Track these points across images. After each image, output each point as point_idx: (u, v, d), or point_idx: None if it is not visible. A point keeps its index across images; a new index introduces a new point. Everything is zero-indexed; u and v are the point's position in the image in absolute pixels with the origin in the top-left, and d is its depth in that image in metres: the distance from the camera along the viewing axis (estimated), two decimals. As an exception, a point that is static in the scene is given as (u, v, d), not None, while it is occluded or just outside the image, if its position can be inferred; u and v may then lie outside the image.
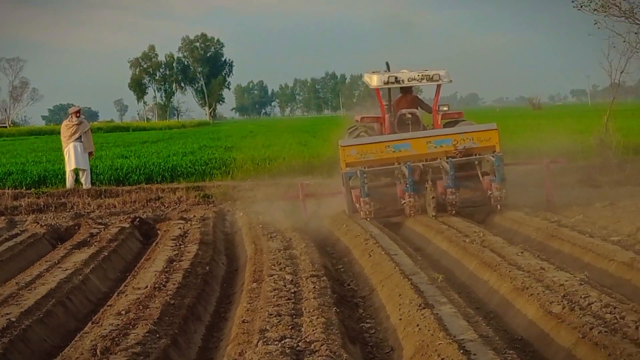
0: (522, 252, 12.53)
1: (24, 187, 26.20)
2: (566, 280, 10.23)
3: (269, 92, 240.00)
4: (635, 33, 25.83)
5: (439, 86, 19.80)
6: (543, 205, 18.62)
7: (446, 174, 17.18)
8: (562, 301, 9.06)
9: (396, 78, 19.34)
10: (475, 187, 17.84)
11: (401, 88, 20.04)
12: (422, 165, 17.60)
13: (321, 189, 21.33)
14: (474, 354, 7.30)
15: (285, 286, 10.43)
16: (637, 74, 30.77)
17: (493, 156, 17.40)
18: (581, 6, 26.01)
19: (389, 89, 20.10)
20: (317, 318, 8.70)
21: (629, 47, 26.10)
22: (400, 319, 9.04)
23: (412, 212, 17.18)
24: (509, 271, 10.94)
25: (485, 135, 18.11)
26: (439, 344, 7.59)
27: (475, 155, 17.88)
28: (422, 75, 19.54)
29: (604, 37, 27.38)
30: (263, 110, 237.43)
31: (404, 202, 17.23)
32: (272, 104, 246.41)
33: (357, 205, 17.61)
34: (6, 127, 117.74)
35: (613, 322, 8.24)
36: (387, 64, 20.39)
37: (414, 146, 17.83)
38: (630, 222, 15.32)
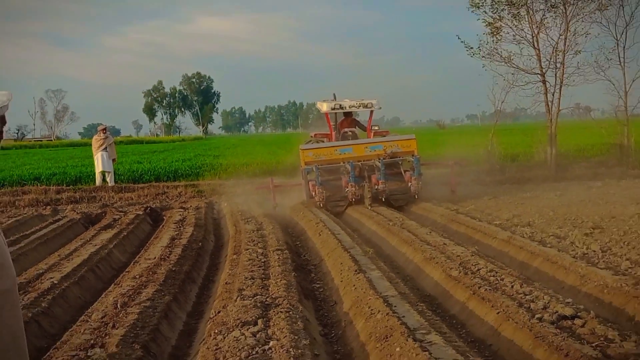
0: (430, 232, 12.59)
1: (65, 184, 25.96)
2: (462, 253, 10.30)
3: (247, 114, 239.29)
4: (512, 74, 26.05)
5: (371, 112, 19.92)
6: (447, 197, 18.77)
7: (378, 170, 17.34)
8: (458, 267, 9.12)
9: (340, 105, 19.66)
10: (400, 180, 17.96)
11: (344, 112, 20.18)
12: (361, 164, 17.77)
13: (285, 182, 21.38)
14: (395, 306, 7.33)
15: (257, 257, 10.39)
16: (513, 103, 30.95)
17: (412, 157, 17.71)
18: (474, 54, 26.20)
19: (335, 113, 20.22)
20: (281, 280, 8.69)
21: (507, 84, 26.34)
22: (341, 281, 9.05)
23: (353, 198, 17.30)
24: (421, 246, 10.99)
25: (406, 142, 18.34)
26: (369, 298, 7.61)
27: (399, 157, 18.10)
28: (359, 104, 19.87)
29: (490, 76, 27.66)
30: (242, 129, 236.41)
31: (347, 190, 17.29)
32: (249, 123, 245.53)
33: (313, 193, 17.82)
34: (51, 140, 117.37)
35: (495, 283, 8.32)
36: (334, 95, 20.56)
37: (355, 150, 18.00)
38: (507, 210, 15.47)
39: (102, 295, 8.63)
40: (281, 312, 7.13)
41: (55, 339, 7.17)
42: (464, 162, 20.56)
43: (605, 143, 28.78)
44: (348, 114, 20.41)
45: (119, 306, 7.77)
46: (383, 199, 17.35)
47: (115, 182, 25.52)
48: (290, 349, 5.87)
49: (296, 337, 6.28)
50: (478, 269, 9.09)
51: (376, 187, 17.34)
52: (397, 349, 5.87)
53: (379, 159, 17.49)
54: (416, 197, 17.68)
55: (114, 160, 25.69)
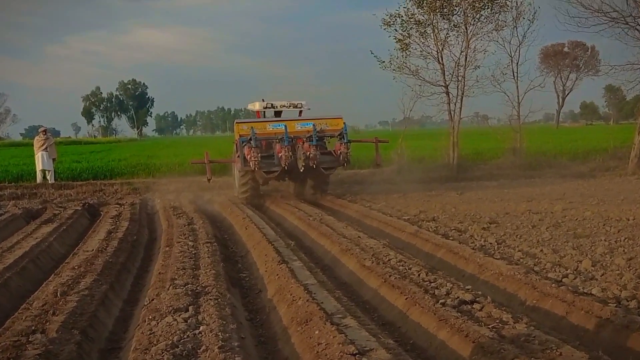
0: (346, 226, 12.66)
1: (7, 182, 25.05)
2: (374, 245, 10.41)
3: (179, 118, 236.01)
4: (419, 85, 26.46)
5: (300, 112, 19.92)
6: (360, 195, 18.92)
7: (311, 139, 17.33)
8: (371, 258, 9.20)
9: (272, 104, 19.73)
10: (330, 153, 17.93)
11: (275, 112, 20.08)
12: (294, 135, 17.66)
13: (220, 159, 21.49)
14: (314, 293, 7.34)
15: (188, 249, 10.25)
16: (420, 111, 31.64)
17: (343, 127, 17.85)
18: (385, 67, 26.50)
19: (265, 112, 20.11)
20: (210, 270, 8.60)
21: (415, 94, 26.74)
22: (266, 271, 9.01)
23: (286, 162, 17.05)
24: (338, 239, 11.03)
25: (335, 121, 18.34)
26: (291, 286, 7.60)
27: (329, 134, 18.04)
28: (290, 104, 19.86)
29: (399, 87, 28.10)
30: (175, 132, 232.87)
31: (281, 155, 17.11)
32: (181, 127, 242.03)
33: (248, 157, 17.23)
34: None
35: (404, 272, 8.43)
36: (262, 100, 20.47)
37: (288, 127, 17.73)
38: (415, 207, 15.68)
39: (43, 285, 8.35)
40: (210, 299, 7.05)
41: (-4, 326, 6.92)
42: (386, 140, 20.67)
43: (500, 148, 29.52)
44: (278, 114, 20.29)
45: (58, 295, 7.54)
46: (314, 166, 17.12)
47: (55, 179, 24.76)
48: (219, 333, 5.81)
49: (224, 322, 6.23)
50: (389, 260, 9.19)
51: (307, 152, 17.11)
52: (317, 332, 5.88)
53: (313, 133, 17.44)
54: (345, 165, 17.68)
55: (54, 159, 24.95)
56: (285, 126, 17.45)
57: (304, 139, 17.41)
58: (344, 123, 18.16)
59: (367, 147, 22.38)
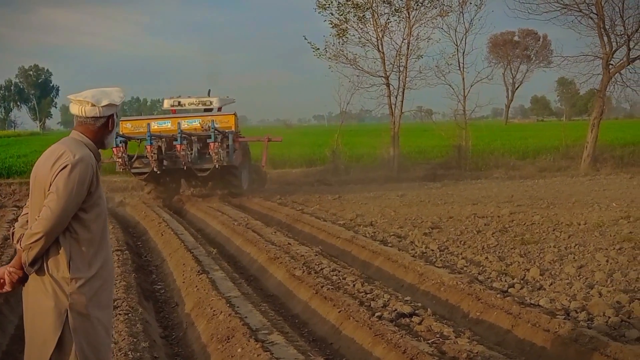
0: (275, 232, 12.67)
1: None
2: (306, 252, 10.45)
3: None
4: (357, 76, 26.69)
5: (211, 109, 20.23)
6: (291, 197, 18.96)
7: (195, 142, 18.12)
8: (302, 267, 9.23)
9: (179, 102, 19.87)
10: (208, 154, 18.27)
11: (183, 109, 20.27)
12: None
13: None
14: (238, 306, 7.32)
15: (96, 258, 10.06)
16: (359, 105, 31.84)
17: (228, 132, 18.40)
18: (320, 55, 26.64)
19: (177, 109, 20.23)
20: (120, 282, 8.48)
21: (352, 86, 26.97)
22: (184, 282, 8.94)
23: (154, 163, 17.54)
24: (265, 246, 11.04)
25: (225, 118, 19.13)
26: (212, 299, 7.56)
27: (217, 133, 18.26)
28: (199, 102, 20.05)
29: (335, 77, 28.30)
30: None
31: (148, 155, 17.58)
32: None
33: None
34: None
35: (337, 282, 8.49)
36: (173, 96, 20.85)
37: (173, 123, 18.36)
38: (351, 210, 15.79)
39: None
40: (120, 314, 6.95)
41: None
42: (279, 139, 20.83)
43: (445, 145, 30.01)
44: (188, 111, 20.40)
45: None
46: (184, 167, 17.73)
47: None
48: (128, 352, 5.74)
49: (135, 339, 6.15)
50: (321, 269, 9.24)
51: (182, 152, 17.49)
52: (239, 350, 5.86)
53: (203, 131, 18.06)
54: (217, 166, 17.85)
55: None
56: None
57: (174, 139, 17.86)
58: (234, 123, 18.93)
59: (301, 144, 22.45)
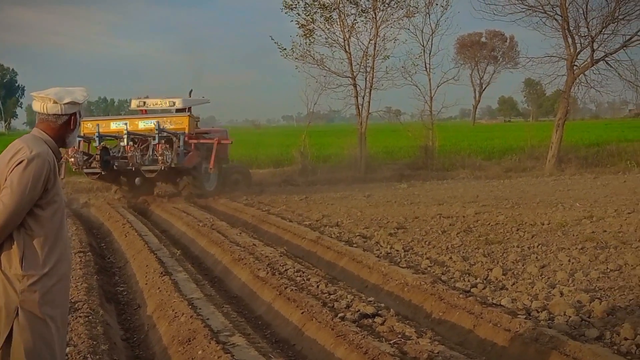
0: (240, 233, 12.63)
1: None
2: (271, 253, 10.41)
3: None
4: (324, 77, 26.72)
5: (177, 110, 20.26)
6: (258, 198, 18.93)
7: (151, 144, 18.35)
8: (266, 268, 9.19)
9: (144, 102, 19.90)
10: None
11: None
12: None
13: None
14: (200, 308, 7.28)
15: (57, 260, 9.96)
16: (326, 105, 31.84)
17: (179, 133, 18.73)
18: (287, 55, 26.62)
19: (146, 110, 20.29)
20: (82, 284, 8.40)
21: (320, 86, 26.99)
22: (146, 284, 8.86)
23: (98, 164, 17.88)
24: (230, 247, 10.99)
25: (179, 119, 19.24)
26: (174, 301, 7.51)
27: (169, 133, 18.72)
28: (166, 102, 20.29)
29: (303, 78, 28.33)
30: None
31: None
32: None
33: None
34: None
35: (301, 283, 8.47)
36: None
37: (130, 124, 18.69)
38: (318, 211, 15.79)
39: None
40: (80, 317, 6.88)
41: None
42: (229, 141, 20.87)
43: (412, 146, 30.14)
44: (154, 111, 20.57)
45: None
46: (133, 168, 17.87)
47: None
48: (88, 355, 5.68)
49: (94, 342, 6.09)
50: (286, 270, 9.22)
51: (127, 153, 17.74)
52: (200, 352, 5.82)
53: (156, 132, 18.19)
54: (162, 168, 17.86)
55: None
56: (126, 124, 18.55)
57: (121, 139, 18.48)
58: (187, 125, 19.03)
59: (269, 144, 22.43)
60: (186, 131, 18.81)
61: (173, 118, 19.24)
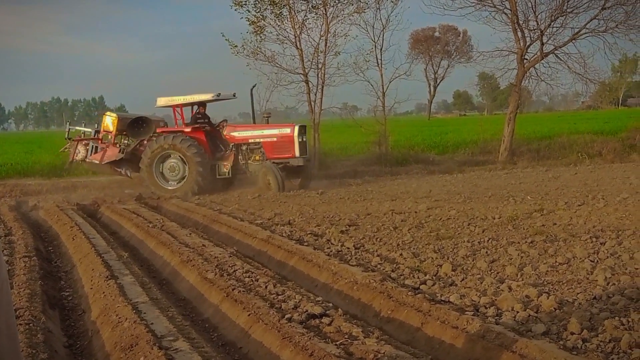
0: (190, 234, 12.50)
1: None
2: (220, 254, 10.30)
3: (6, 111, 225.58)
4: (276, 74, 26.62)
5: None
6: (210, 197, 18.78)
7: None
8: (215, 269, 9.08)
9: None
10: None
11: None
12: None
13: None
14: (144, 313, 7.15)
15: (0, 266, 9.72)
16: (278, 102, 31.56)
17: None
18: (238, 52, 26.47)
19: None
20: (24, 290, 8.19)
21: (272, 83, 26.87)
22: (92, 288, 8.69)
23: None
24: (179, 248, 10.85)
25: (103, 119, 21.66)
26: (118, 306, 7.36)
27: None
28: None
29: (254, 75, 28.21)
30: (2, 126, 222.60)
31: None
32: (9, 121, 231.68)
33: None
34: None
35: (250, 284, 8.38)
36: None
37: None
38: (270, 209, 15.70)
39: None
40: (20, 324, 6.69)
41: None
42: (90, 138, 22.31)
43: (366, 142, 30.18)
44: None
45: None
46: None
47: None
48: (25, 366, 5.52)
49: (34, 351, 5.92)
50: (234, 270, 9.12)
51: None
52: (142, 358, 5.70)
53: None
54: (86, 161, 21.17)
55: None
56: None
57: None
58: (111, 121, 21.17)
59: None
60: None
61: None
